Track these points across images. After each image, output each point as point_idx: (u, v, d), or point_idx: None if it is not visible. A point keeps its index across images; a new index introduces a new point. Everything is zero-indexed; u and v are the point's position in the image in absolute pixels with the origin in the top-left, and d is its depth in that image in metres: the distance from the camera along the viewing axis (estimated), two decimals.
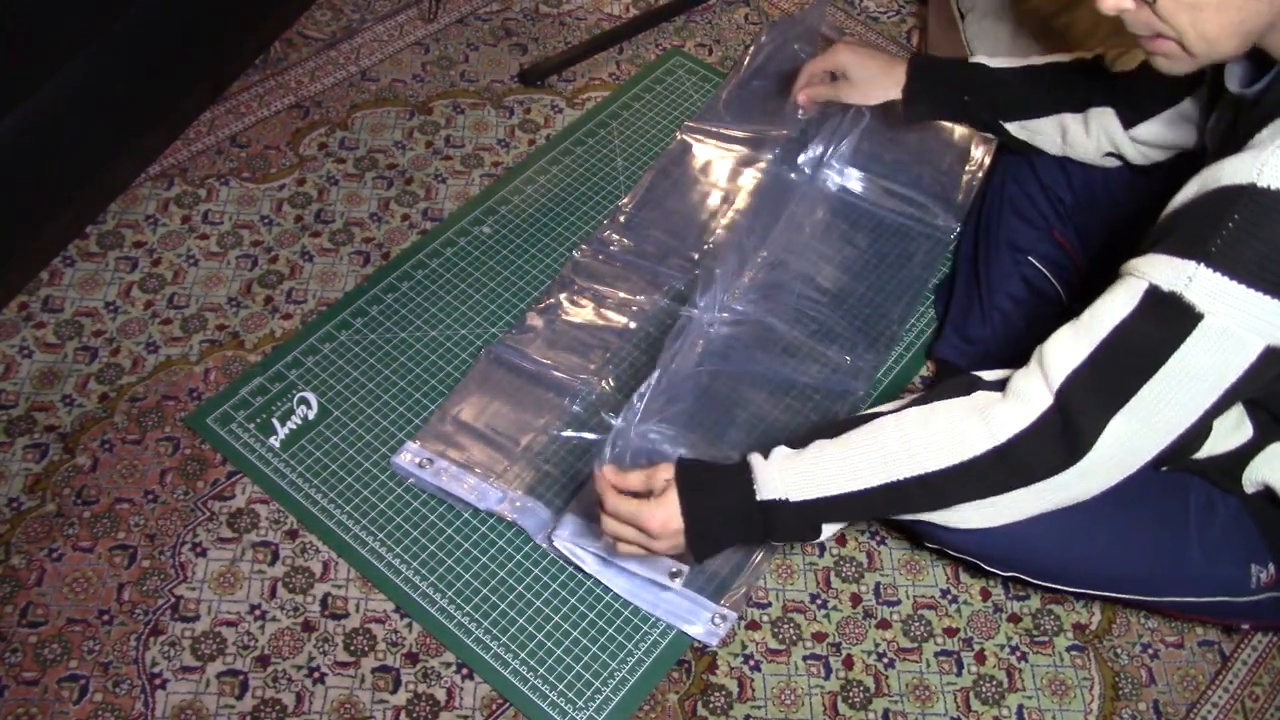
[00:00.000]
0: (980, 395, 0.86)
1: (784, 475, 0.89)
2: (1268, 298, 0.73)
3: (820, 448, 0.89)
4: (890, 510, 0.90)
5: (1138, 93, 1.10)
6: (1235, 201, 0.73)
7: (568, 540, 1.12)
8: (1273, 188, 0.72)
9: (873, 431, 0.88)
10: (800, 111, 1.40)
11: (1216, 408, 0.79)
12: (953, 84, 1.22)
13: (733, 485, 0.90)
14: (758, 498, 0.89)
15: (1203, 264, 0.74)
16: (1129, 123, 1.12)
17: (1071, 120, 1.16)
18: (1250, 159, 0.73)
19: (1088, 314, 0.81)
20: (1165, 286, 0.76)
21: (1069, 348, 0.81)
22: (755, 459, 0.90)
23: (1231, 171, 0.74)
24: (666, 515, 0.89)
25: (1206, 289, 0.74)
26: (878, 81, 1.25)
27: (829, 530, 0.92)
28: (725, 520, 0.90)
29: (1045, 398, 0.81)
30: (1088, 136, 1.16)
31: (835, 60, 1.27)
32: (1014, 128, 1.21)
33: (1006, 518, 0.88)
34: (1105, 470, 0.83)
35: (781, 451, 0.91)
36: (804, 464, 0.88)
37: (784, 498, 0.88)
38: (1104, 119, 1.14)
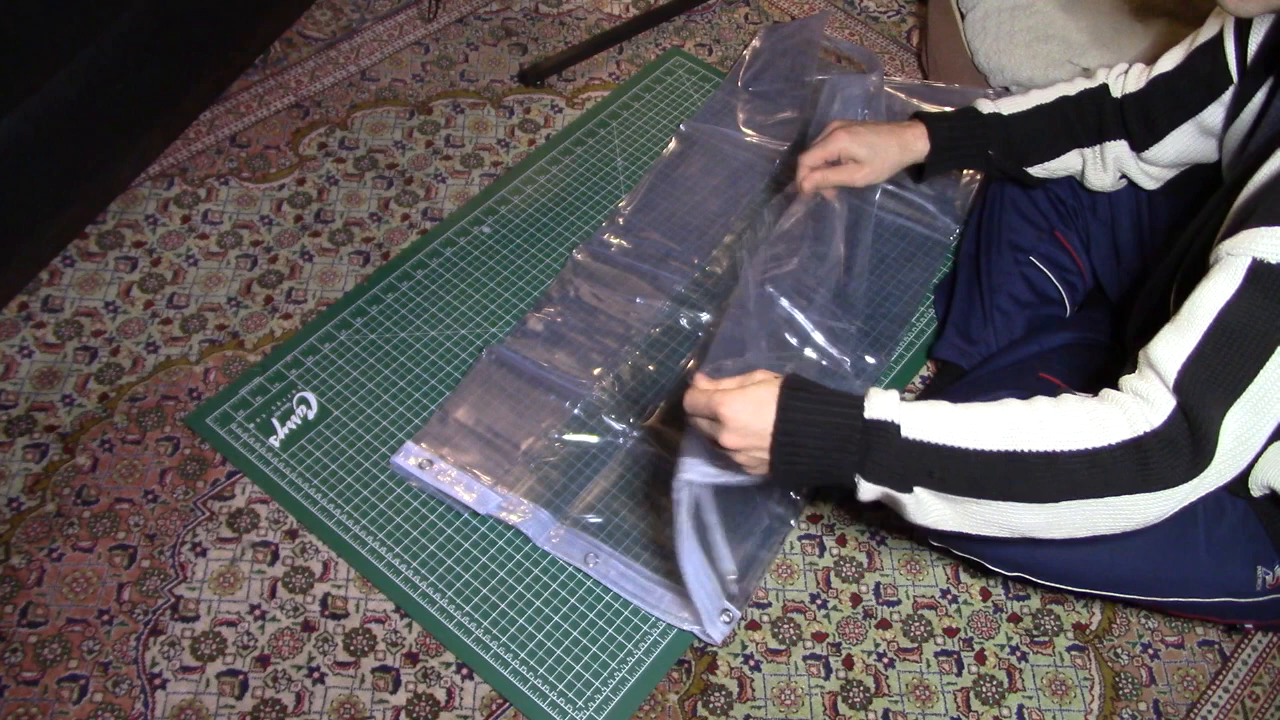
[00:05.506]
0: (1111, 393, 0.79)
1: (899, 407, 0.81)
2: None
3: (936, 404, 0.80)
4: (1000, 491, 0.78)
5: (1150, 110, 1.09)
6: None
7: (568, 538, 1.12)
8: None
9: (999, 404, 0.79)
10: (797, 115, 1.39)
11: None
12: (974, 141, 1.19)
13: (840, 399, 0.81)
14: (865, 414, 0.80)
15: None
16: (1142, 145, 1.12)
17: (1089, 154, 1.17)
18: None
19: (1186, 307, 0.75)
20: (1272, 258, 0.71)
21: (1175, 342, 0.74)
22: (871, 388, 0.82)
23: None
24: (748, 408, 0.80)
25: None
26: (886, 155, 1.19)
27: (922, 497, 0.80)
28: (821, 431, 0.80)
29: (1166, 395, 0.74)
30: (1104, 170, 1.16)
31: (836, 147, 1.19)
32: (1035, 170, 1.20)
33: (1115, 526, 0.78)
34: (1219, 473, 0.75)
35: (894, 394, 0.82)
36: (921, 407, 0.80)
37: (894, 421, 0.79)
38: (1117, 150, 1.14)
